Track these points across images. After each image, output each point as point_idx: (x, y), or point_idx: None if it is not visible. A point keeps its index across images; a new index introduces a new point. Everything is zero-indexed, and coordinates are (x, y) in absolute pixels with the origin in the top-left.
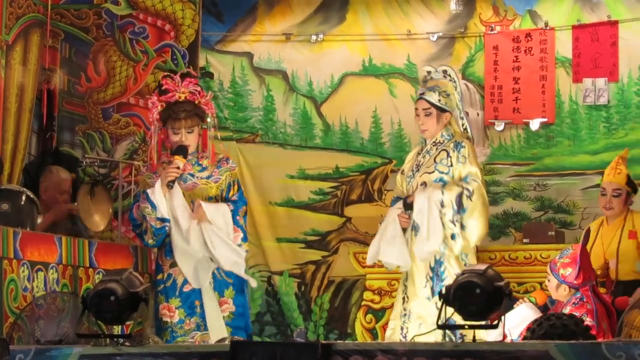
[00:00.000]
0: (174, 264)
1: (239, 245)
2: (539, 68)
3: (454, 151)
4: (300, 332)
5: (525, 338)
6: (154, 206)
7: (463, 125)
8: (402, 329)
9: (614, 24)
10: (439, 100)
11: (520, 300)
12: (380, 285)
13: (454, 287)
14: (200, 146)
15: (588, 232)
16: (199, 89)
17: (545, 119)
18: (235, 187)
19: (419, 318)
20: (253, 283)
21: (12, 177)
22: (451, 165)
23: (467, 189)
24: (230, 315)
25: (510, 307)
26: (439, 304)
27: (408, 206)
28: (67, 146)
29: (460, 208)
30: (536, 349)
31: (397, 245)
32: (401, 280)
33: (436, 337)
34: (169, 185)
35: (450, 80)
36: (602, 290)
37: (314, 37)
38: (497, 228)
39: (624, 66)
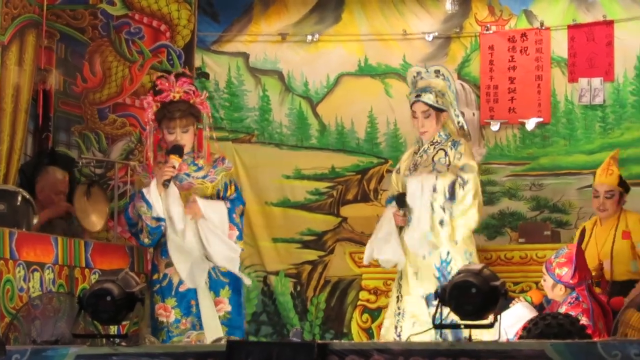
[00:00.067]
0: (169, 264)
1: (234, 243)
2: (535, 68)
3: (451, 149)
4: (296, 332)
5: (521, 337)
6: (149, 205)
7: (459, 122)
8: (396, 327)
9: (609, 23)
10: (436, 101)
11: (516, 299)
12: (376, 285)
13: (449, 286)
14: (196, 146)
15: (583, 231)
16: (193, 88)
17: (541, 119)
18: (233, 187)
19: (412, 317)
20: (247, 281)
21: (8, 178)
22: (449, 164)
23: (462, 177)
24: (226, 315)
25: (506, 307)
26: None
27: (402, 202)
28: (63, 146)
29: (452, 195)
30: (532, 348)
31: (392, 242)
32: (396, 279)
33: (431, 336)
34: (165, 184)
35: (444, 79)
36: (597, 290)
37: (309, 37)
38: (493, 228)
39: (620, 66)
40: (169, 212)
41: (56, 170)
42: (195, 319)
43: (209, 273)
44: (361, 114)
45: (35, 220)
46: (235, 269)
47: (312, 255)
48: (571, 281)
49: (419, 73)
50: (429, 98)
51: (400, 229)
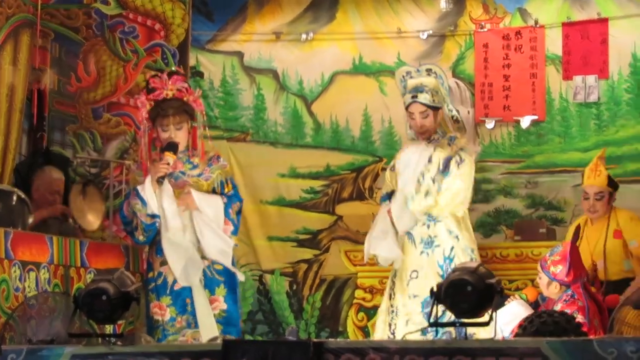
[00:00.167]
0: (164, 262)
1: (228, 237)
2: (529, 66)
3: (448, 145)
4: (291, 330)
5: (517, 335)
6: (144, 202)
7: (453, 116)
8: (390, 325)
9: (603, 21)
10: (433, 100)
11: (511, 297)
12: (371, 284)
13: (445, 284)
14: (191, 144)
15: (578, 229)
16: (186, 85)
17: (536, 117)
18: (230, 184)
19: (406, 315)
20: (241, 277)
21: (3, 177)
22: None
23: (460, 156)
24: (221, 313)
25: (501, 305)
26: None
27: None
28: (57, 146)
29: (445, 169)
30: (528, 345)
31: (388, 240)
32: (390, 277)
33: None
34: (159, 181)
35: (436, 77)
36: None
37: (304, 36)
38: (488, 225)
39: (614, 63)
40: (163, 209)
41: (52, 169)
42: (190, 317)
43: (204, 271)
44: (356, 112)
45: (30, 220)
46: (227, 262)
47: (307, 253)
48: (566, 279)
49: (408, 72)
50: (425, 98)
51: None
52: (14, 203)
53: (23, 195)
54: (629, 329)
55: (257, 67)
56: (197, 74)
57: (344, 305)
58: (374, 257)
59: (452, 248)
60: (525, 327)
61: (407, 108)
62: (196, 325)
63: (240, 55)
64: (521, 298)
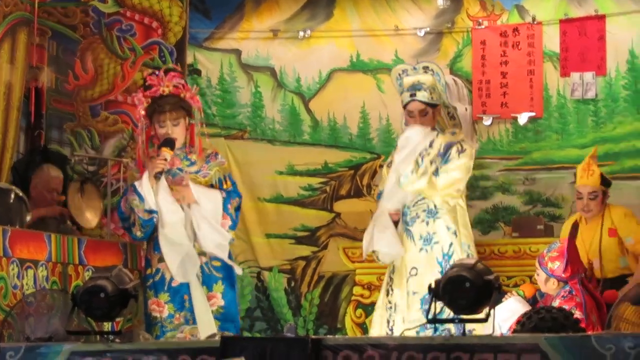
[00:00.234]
0: (162, 259)
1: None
2: (527, 62)
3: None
4: (290, 327)
5: (515, 331)
6: (141, 198)
7: (449, 113)
8: (388, 322)
9: (601, 18)
10: (431, 97)
11: (509, 293)
12: (369, 280)
13: (443, 281)
14: (189, 141)
15: (576, 225)
16: (183, 82)
17: (533, 113)
18: (228, 181)
19: (403, 311)
20: (238, 270)
21: (1, 175)
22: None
23: (462, 144)
24: (218, 310)
25: (498, 301)
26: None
27: None
28: (55, 144)
29: (445, 155)
30: (526, 342)
31: (390, 235)
32: (387, 273)
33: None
34: (157, 176)
35: (433, 74)
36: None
37: (301, 34)
38: (486, 222)
39: (612, 60)
40: (160, 205)
41: (50, 167)
42: (188, 314)
43: (202, 268)
44: (353, 109)
45: (28, 218)
46: (224, 256)
47: (305, 250)
48: (563, 275)
49: (404, 70)
50: (423, 96)
51: (395, 224)
52: (11, 201)
53: (21, 193)
54: (627, 325)
55: (254, 64)
56: (195, 71)
57: (342, 302)
58: (374, 253)
59: (450, 244)
60: (524, 323)
61: (405, 106)
62: (194, 322)
63: (237, 52)
64: (518, 295)
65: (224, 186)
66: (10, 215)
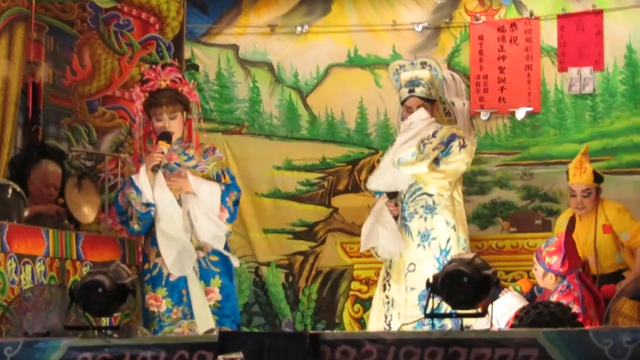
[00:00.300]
0: (159, 253)
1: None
2: (524, 57)
3: (440, 128)
4: (288, 322)
5: (513, 326)
6: (138, 191)
7: (445, 109)
8: (386, 317)
9: (598, 13)
10: (430, 93)
11: (505, 289)
12: (367, 275)
13: (441, 276)
14: (186, 136)
15: (573, 219)
16: (180, 76)
17: (531, 108)
18: (227, 176)
19: (399, 306)
20: (235, 262)
21: None
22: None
23: (464, 140)
24: (216, 304)
25: (495, 297)
26: None
27: (393, 193)
28: (53, 139)
29: (447, 147)
30: (524, 336)
31: (392, 231)
32: (384, 268)
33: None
34: (154, 169)
35: (431, 69)
36: None
37: (299, 29)
38: (484, 217)
39: (609, 55)
40: (157, 199)
41: (48, 163)
42: (186, 309)
43: (199, 262)
44: (351, 104)
45: (26, 213)
46: (220, 246)
47: (303, 246)
48: (561, 269)
49: (401, 66)
50: (422, 91)
51: (395, 219)
52: (9, 196)
53: (18, 189)
54: (624, 320)
55: (252, 59)
56: (192, 66)
57: (340, 297)
58: (373, 249)
59: (448, 240)
60: (522, 318)
61: (403, 102)
62: (192, 317)
63: (235, 48)
64: (515, 290)
65: (223, 181)
66: (8, 211)
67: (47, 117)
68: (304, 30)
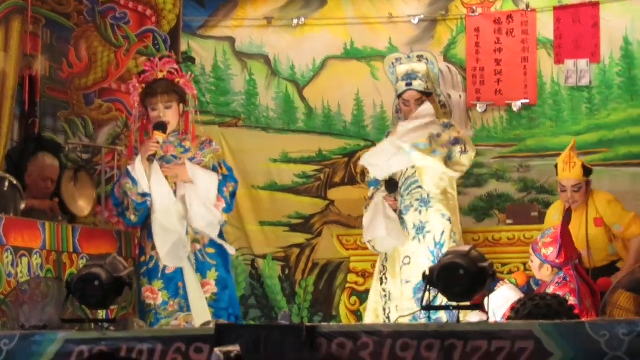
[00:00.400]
0: (155, 246)
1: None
2: (521, 50)
3: (444, 130)
4: (284, 314)
5: (509, 318)
6: (134, 181)
7: (441, 101)
8: (384, 310)
9: (595, 5)
10: (427, 87)
11: (501, 282)
12: (364, 268)
13: (437, 268)
14: (183, 128)
15: (569, 211)
16: (177, 67)
17: (527, 101)
18: (224, 168)
19: (397, 299)
20: (231, 250)
21: None
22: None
23: (465, 146)
24: (212, 297)
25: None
26: None
27: (392, 187)
28: (49, 132)
29: (449, 151)
30: (520, 328)
31: (395, 225)
32: (379, 261)
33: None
34: (150, 159)
35: (427, 63)
36: None
37: (295, 21)
38: (481, 210)
39: (606, 47)
40: (152, 189)
41: (46, 156)
42: (182, 301)
43: (196, 255)
44: (348, 97)
45: (22, 206)
46: (214, 235)
47: (299, 238)
48: (557, 261)
49: (398, 59)
50: (419, 85)
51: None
52: (6, 189)
53: (15, 182)
54: (621, 312)
55: (248, 52)
56: (189, 59)
57: (336, 289)
58: (369, 243)
59: (442, 233)
60: (518, 310)
61: (400, 95)
62: (188, 309)
63: (231, 40)
64: (510, 282)
65: (219, 172)
66: (5, 203)
67: (44, 110)
68: (300, 23)
